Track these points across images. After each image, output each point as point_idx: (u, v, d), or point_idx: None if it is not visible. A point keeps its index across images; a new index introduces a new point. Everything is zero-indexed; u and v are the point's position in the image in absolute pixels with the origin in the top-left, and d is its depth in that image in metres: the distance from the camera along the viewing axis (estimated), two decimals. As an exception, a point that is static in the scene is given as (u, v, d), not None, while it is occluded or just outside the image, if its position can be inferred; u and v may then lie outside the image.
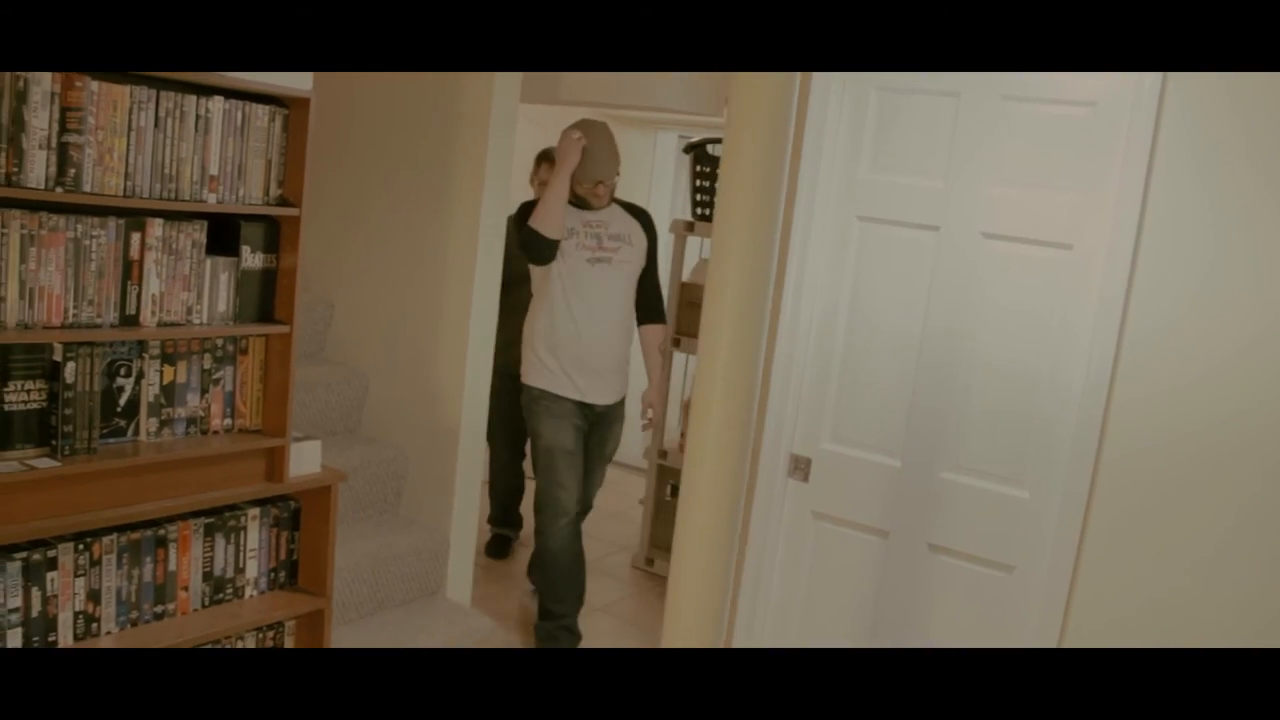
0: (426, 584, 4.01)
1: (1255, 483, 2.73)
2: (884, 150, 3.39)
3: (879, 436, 3.44)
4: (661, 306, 4.47)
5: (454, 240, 3.94)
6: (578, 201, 4.16)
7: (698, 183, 4.66)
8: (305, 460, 3.03)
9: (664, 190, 6.59)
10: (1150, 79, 2.86)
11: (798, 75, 2.30)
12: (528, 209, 4.09)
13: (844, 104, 3.44)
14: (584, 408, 4.21)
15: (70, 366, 2.62)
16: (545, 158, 4.71)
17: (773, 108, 2.29)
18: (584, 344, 4.12)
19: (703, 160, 4.60)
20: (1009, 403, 3.20)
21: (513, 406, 4.50)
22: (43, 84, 2.44)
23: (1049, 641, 3.12)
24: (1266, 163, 2.68)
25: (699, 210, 4.72)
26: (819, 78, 3.43)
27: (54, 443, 2.63)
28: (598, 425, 4.30)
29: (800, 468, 3.58)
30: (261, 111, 2.85)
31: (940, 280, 3.30)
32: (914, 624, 3.41)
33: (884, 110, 3.39)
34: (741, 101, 2.32)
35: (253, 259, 2.90)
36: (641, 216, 4.32)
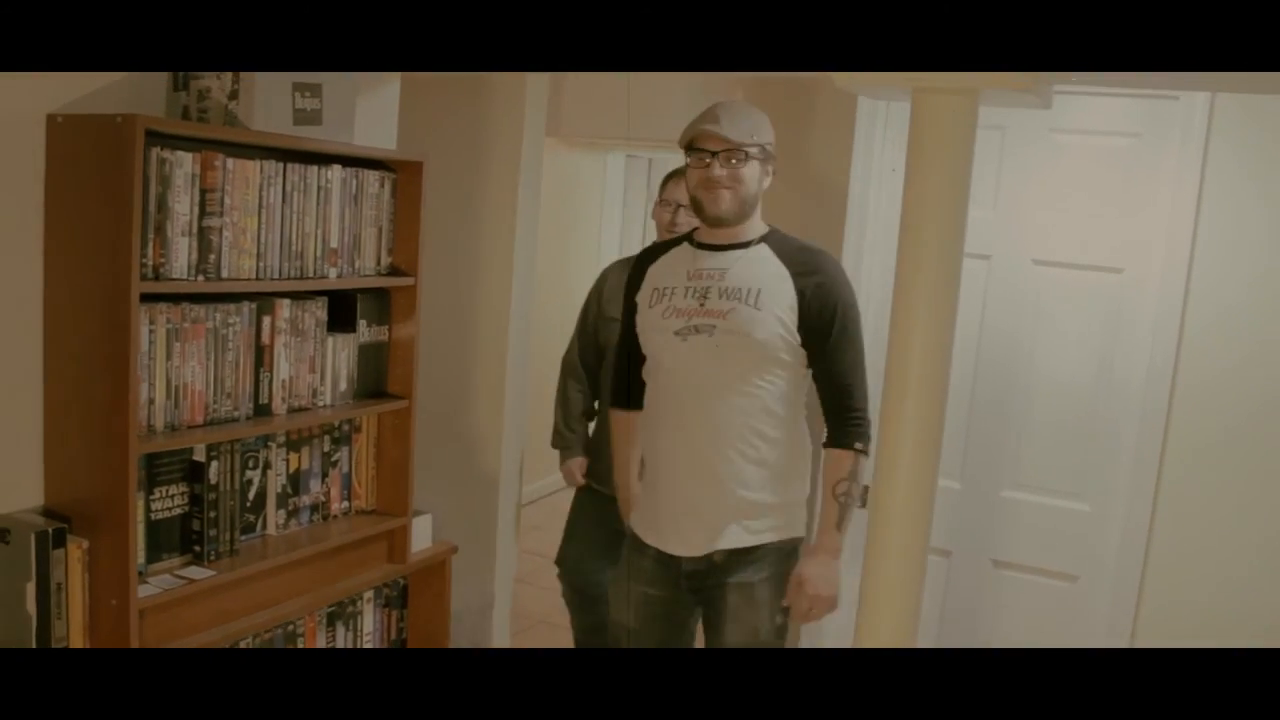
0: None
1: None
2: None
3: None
4: (856, 418, 2.53)
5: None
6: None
7: (676, 209, 4.67)
8: (418, 536, 2.91)
9: (614, 215, 6.52)
10: (1196, 108, 3.07)
11: (975, 107, 2.38)
12: (647, 255, 2.70)
13: (887, 138, 3.54)
14: (666, 562, 2.52)
15: (214, 466, 2.43)
16: (676, 174, 3.28)
17: (955, 144, 2.37)
18: (651, 462, 2.58)
19: (678, 187, 4.61)
20: (1067, 419, 3.38)
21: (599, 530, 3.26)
22: (184, 165, 2.25)
23: (1120, 639, 3.33)
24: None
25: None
26: (863, 116, 3.52)
27: (197, 548, 2.44)
28: (701, 593, 2.52)
29: (864, 496, 3.67)
30: (373, 179, 2.70)
31: (993, 307, 3.45)
32: (979, 638, 3.56)
33: (928, 145, 3.50)
34: (924, 138, 2.39)
35: (368, 333, 2.75)
36: (804, 260, 2.48)
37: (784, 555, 2.48)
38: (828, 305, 2.44)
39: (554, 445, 3.40)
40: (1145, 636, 3.25)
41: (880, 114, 3.56)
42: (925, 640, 3.56)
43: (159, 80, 2.43)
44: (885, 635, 2.53)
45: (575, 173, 6.18)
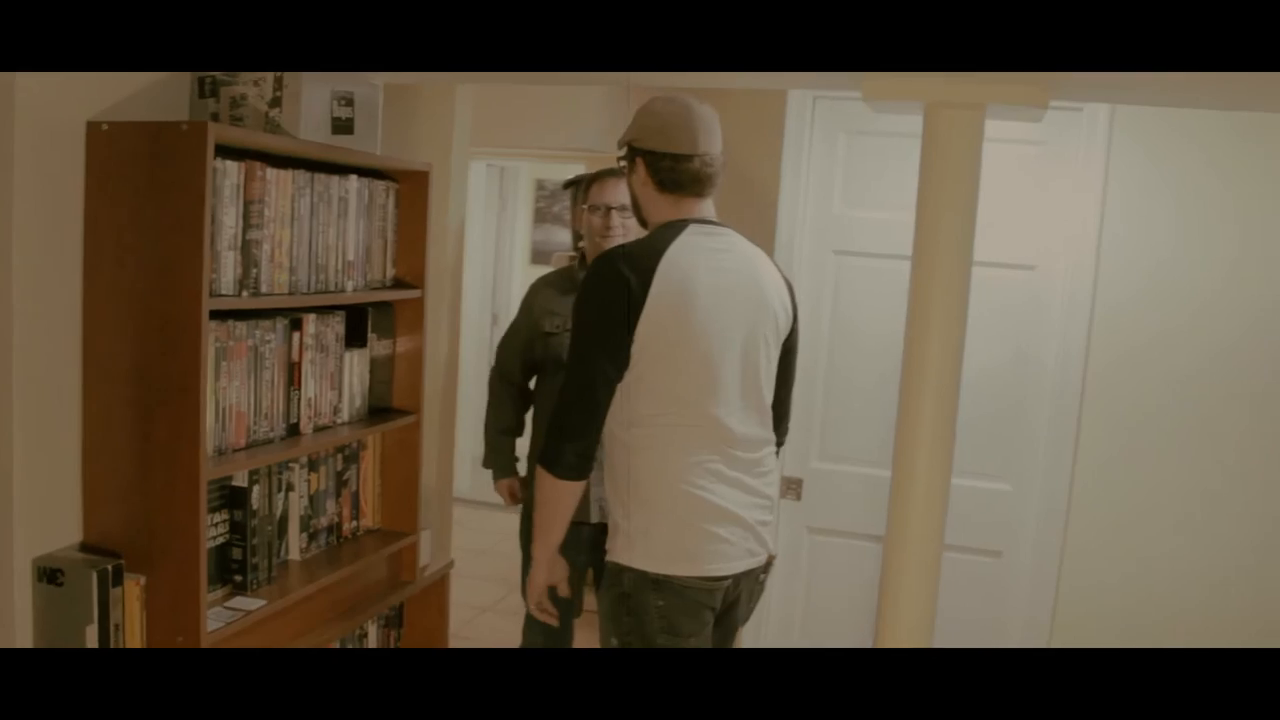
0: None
1: (1226, 432, 3.36)
2: (854, 188, 3.73)
3: (868, 452, 3.79)
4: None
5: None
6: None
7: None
8: (420, 552, 2.86)
9: (475, 223, 6.43)
10: (1099, 119, 3.42)
11: (982, 120, 2.59)
12: (564, 273, 3.01)
13: (814, 146, 3.73)
14: None
15: (255, 491, 2.33)
16: (603, 176, 3.15)
17: (966, 154, 2.57)
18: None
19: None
20: (989, 407, 3.67)
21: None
22: (230, 176, 2.16)
23: (1043, 612, 3.64)
24: (1220, 160, 3.26)
25: (581, 243, 4.78)
26: (791, 123, 3.70)
27: (238, 578, 2.32)
28: None
29: (793, 488, 3.85)
30: (380, 189, 2.65)
31: (918, 306, 3.70)
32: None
33: (852, 151, 3.72)
34: (937, 150, 2.58)
35: (376, 346, 2.69)
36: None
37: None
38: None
39: (485, 465, 3.29)
40: (1066, 607, 3.57)
41: (808, 114, 3.74)
42: (864, 625, 3.79)
43: (182, 87, 2.31)
44: (905, 631, 2.71)
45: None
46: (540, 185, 6.66)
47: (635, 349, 2.10)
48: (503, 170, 6.70)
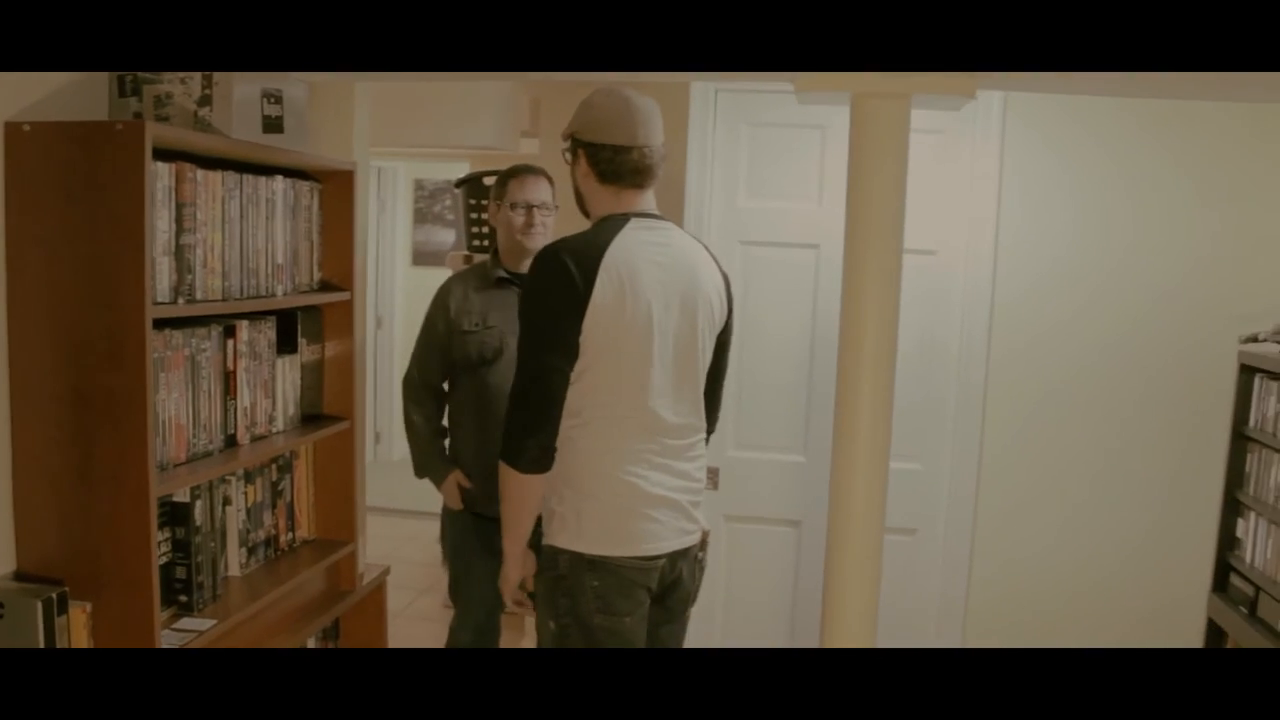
0: None
1: (1125, 412, 3.54)
2: (758, 179, 3.78)
3: (782, 438, 3.85)
4: None
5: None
6: None
7: (474, 215, 4.66)
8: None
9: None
10: (993, 108, 3.55)
11: (908, 110, 2.65)
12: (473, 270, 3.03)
13: (718, 139, 3.77)
14: None
15: (198, 506, 2.23)
16: (517, 173, 3.07)
17: (893, 143, 2.64)
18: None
19: (477, 193, 4.61)
20: (897, 390, 3.76)
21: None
22: (163, 178, 2.06)
23: (958, 586, 3.76)
24: (1114, 146, 3.42)
25: (476, 242, 4.72)
26: (695, 114, 3.73)
27: (183, 598, 2.23)
28: None
29: (710, 477, 3.88)
30: (305, 189, 2.57)
31: (824, 291, 3.78)
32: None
33: (756, 143, 3.77)
34: (864, 138, 2.64)
35: (306, 352, 2.61)
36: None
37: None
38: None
39: (418, 475, 3.11)
40: (980, 581, 3.70)
41: (711, 106, 3.78)
42: (782, 607, 3.86)
43: (99, 86, 2.19)
44: (852, 615, 2.76)
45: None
46: (420, 185, 6.55)
47: (581, 341, 2.12)
48: (380, 171, 6.57)
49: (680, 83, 3.67)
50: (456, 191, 4.69)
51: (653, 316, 2.16)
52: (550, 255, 2.13)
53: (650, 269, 2.16)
